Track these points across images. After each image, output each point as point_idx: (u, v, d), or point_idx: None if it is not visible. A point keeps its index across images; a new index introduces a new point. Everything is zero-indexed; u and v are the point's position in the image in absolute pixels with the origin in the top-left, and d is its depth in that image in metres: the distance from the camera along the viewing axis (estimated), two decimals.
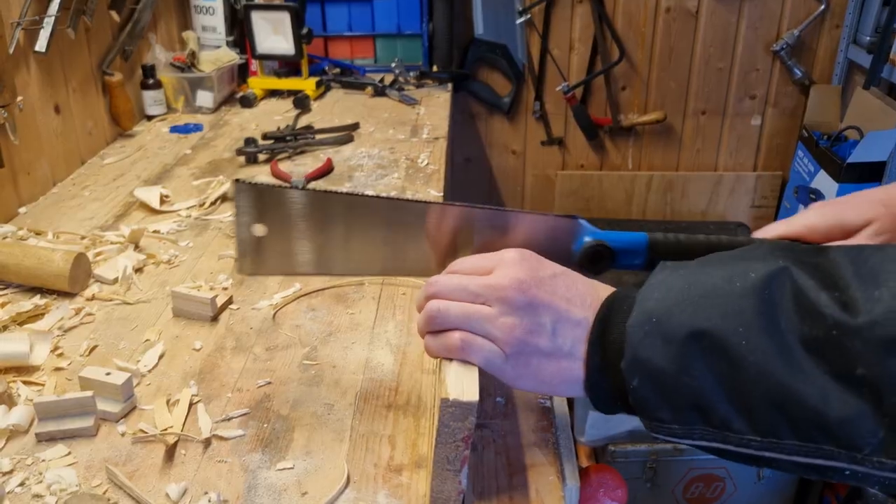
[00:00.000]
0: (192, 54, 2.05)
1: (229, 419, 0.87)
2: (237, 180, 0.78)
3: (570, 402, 2.03)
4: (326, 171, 1.60)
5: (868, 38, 2.31)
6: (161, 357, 0.98)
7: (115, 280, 1.15)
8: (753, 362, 0.53)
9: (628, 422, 1.97)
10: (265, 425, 0.86)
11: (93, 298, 1.11)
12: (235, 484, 0.78)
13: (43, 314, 1.07)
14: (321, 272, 0.86)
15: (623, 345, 0.60)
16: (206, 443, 0.83)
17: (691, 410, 0.56)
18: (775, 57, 2.50)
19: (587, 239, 0.77)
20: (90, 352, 0.99)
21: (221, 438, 0.84)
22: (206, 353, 0.99)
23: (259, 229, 0.79)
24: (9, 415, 0.85)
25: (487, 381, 0.94)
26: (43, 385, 0.92)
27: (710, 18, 2.46)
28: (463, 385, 0.67)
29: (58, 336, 1.02)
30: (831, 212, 0.76)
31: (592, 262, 0.77)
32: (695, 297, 0.57)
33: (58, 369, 0.96)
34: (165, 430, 0.84)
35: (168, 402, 0.89)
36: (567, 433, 0.95)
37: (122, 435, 0.84)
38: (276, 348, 1.01)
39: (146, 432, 0.84)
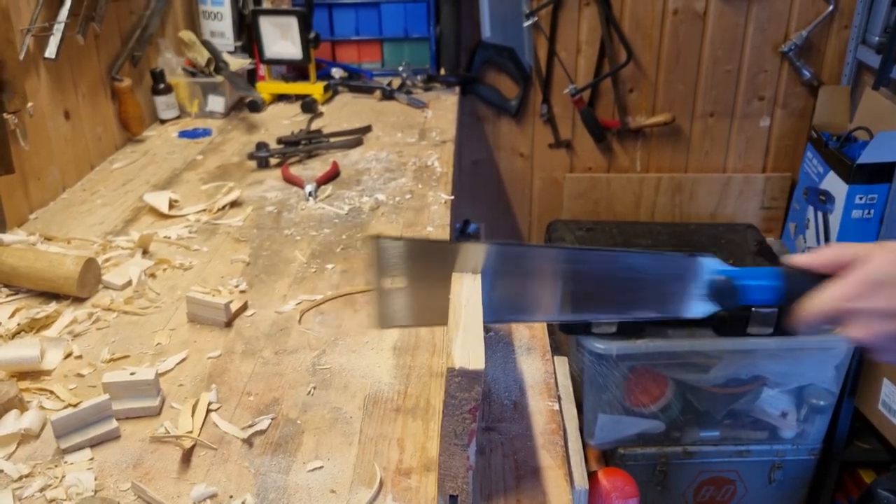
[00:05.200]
0: (210, 61, 2.05)
1: (251, 425, 0.87)
2: (375, 237, 0.79)
3: (580, 404, 2.02)
4: (333, 175, 1.60)
5: (877, 38, 2.30)
6: (181, 362, 0.99)
7: (124, 286, 1.16)
8: None
9: (638, 424, 1.97)
10: (275, 430, 0.87)
11: (108, 308, 1.12)
12: (246, 488, 0.78)
13: (54, 320, 1.08)
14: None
15: None
16: (219, 446, 0.84)
17: None
18: (783, 58, 2.48)
19: (707, 277, 0.77)
20: (110, 359, 1.00)
21: (233, 442, 0.85)
22: (216, 358, 1.00)
23: (393, 282, 0.80)
24: (21, 419, 0.86)
25: (495, 384, 0.94)
26: (52, 392, 0.93)
27: (718, 20, 2.45)
28: (469, 354, 0.66)
29: (68, 341, 1.03)
30: None
31: (715, 300, 0.77)
32: None
33: (78, 375, 0.96)
34: (185, 433, 0.85)
35: (195, 406, 0.90)
36: (576, 436, 0.95)
37: (141, 440, 0.85)
38: (286, 352, 1.01)
39: (169, 433, 0.85)
